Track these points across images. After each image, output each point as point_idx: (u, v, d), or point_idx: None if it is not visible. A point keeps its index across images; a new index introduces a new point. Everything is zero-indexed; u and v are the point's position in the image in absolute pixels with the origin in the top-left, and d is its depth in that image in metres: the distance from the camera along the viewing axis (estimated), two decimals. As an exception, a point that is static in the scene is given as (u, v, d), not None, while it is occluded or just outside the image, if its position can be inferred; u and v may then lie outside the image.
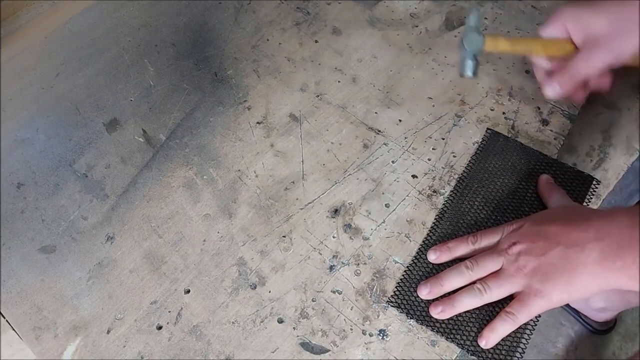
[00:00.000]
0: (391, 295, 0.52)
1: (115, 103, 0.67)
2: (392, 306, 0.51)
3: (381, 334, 0.50)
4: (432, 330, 0.49)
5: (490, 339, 0.47)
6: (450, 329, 0.49)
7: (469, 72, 0.53)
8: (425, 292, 0.50)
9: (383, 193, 0.58)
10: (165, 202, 0.59)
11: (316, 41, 0.70)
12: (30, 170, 0.63)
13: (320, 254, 0.55)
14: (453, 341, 0.49)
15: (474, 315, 0.49)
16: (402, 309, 0.51)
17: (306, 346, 0.50)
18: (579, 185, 0.56)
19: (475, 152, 0.59)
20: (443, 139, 0.61)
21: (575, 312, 1.22)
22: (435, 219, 0.55)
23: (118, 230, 0.58)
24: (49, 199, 0.61)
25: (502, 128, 0.61)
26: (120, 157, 0.63)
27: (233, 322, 0.52)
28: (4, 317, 0.54)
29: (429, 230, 0.55)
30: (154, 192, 0.60)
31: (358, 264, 0.54)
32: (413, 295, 0.51)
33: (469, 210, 0.55)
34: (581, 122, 0.61)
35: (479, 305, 0.49)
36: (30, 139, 0.65)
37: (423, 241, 0.54)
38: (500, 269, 0.48)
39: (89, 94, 0.68)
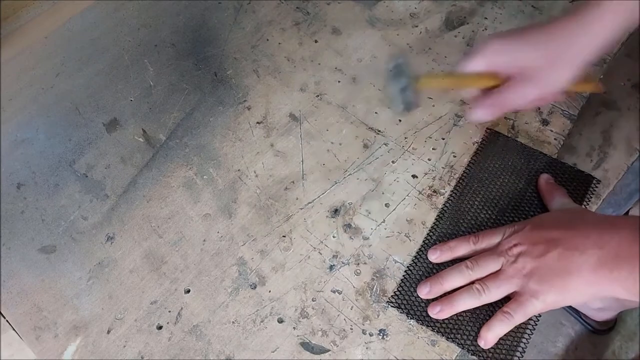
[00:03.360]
0: (391, 296, 0.52)
1: (115, 103, 0.67)
2: (392, 307, 0.51)
3: (381, 334, 0.50)
4: (433, 330, 0.49)
5: (488, 338, 0.48)
6: (451, 329, 0.49)
7: (398, 108, 0.50)
8: (425, 292, 0.50)
9: (383, 193, 0.58)
10: (165, 202, 0.59)
11: (316, 41, 0.70)
12: (30, 170, 0.63)
13: (320, 254, 0.55)
14: (454, 341, 0.49)
15: (474, 315, 0.49)
16: (402, 309, 0.51)
17: (306, 346, 0.50)
18: (579, 184, 0.56)
19: (475, 152, 0.59)
20: (443, 139, 0.61)
21: (575, 312, 1.22)
22: (435, 218, 0.55)
23: (118, 230, 0.58)
24: (49, 199, 0.61)
25: (502, 128, 0.61)
26: (120, 157, 0.63)
27: (233, 322, 0.52)
28: (4, 317, 0.54)
29: (429, 230, 0.55)
30: (154, 192, 0.60)
31: (358, 264, 0.54)
32: (413, 296, 0.51)
33: (469, 210, 0.55)
34: (581, 122, 0.61)
35: (477, 305, 0.49)
36: (30, 139, 0.65)
37: (423, 241, 0.54)
38: (500, 269, 0.48)
39: (89, 94, 0.68)
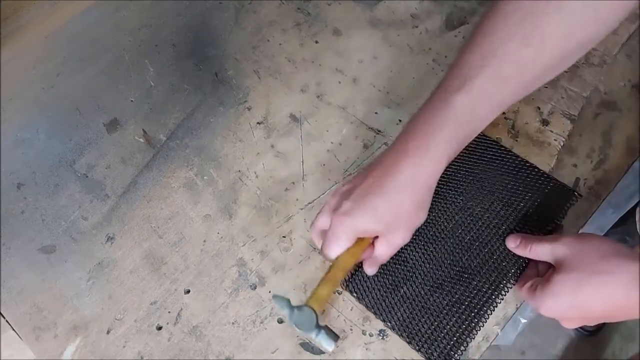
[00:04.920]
0: (347, 280, 0.52)
1: (116, 103, 0.67)
2: (346, 290, 0.52)
3: (381, 334, 0.50)
4: (379, 319, 0.50)
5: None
6: (400, 323, 0.50)
7: (330, 346, 0.47)
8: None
9: (383, 193, 0.58)
10: (165, 202, 0.59)
11: (317, 42, 0.70)
12: (30, 170, 0.63)
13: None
14: (400, 334, 0.49)
15: (427, 314, 0.50)
16: (355, 293, 0.51)
17: (306, 346, 0.50)
18: (557, 197, 0.55)
19: (461, 154, 0.58)
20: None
21: None
22: None
23: (118, 230, 0.58)
24: (49, 199, 0.61)
25: (502, 128, 0.61)
26: (121, 158, 0.63)
27: (233, 323, 0.52)
28: (4, 317, 0.54)
29: None
30: (154, 192, 0.60)
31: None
32: (367, 282, 0.52)
33: (433, 207, 0.54)
34: (581, 123, 0.61)
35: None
36: (30, 139, 0.65)
37: None
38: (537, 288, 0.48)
39: (89, 94, 0.68)
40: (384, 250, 0.49)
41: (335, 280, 0.49)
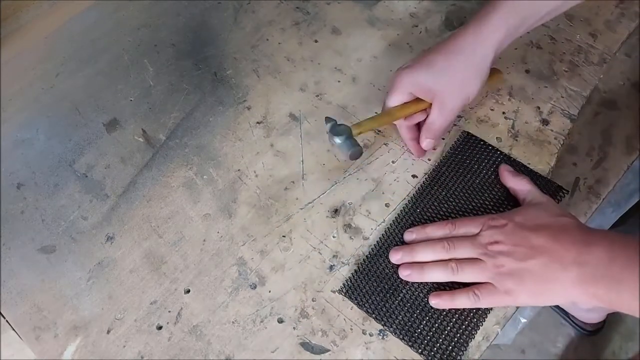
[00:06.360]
0: (342, 285, 0.52)
1: (115, 103, 0.67)
2: (341, 294, 0.52)
3: (381, 334, 0.50)
4: (379, 323, 0.50)
5: (445, 303, 0.49)
6: (401, 327, 0.49)
7: (344, 154, 0.53)
8: (396, 259, 0.52)
9: (383, 193, 0.58)
10: (165, 202, 0.59)
11: (316, 41, 0.70)
12: (30, 170, 0.63)
13: (320, 254, 0.55)
14: (401, 338, 0.49)
15: (427, 317, 0.50)
16: (352, 299, 0.51)
17: (306, 346, 0.50)
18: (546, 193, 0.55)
19: (448, 151, 0.59)
20: (443, 138, 0.61)
21: (564, 313, 1.22)
22: (395, 216, 0.56)
23: (118, 230, 0.58)
24: (49, 199, 0.61)
25: (502, 128, 0.61)
26: (120, 157, 0.63)
27: (233, 322, 0.52)
28: (4, 317, 0.54)
29: (388, 226, 0.55)
30: (153, 192, 0.60)
31: (358, 264, 0.54)
32: (365, 287, 0.52)
33: (428, 209, 0.55)
34: (581, 122, 0.61)
35: (445, 281, 0.50)
36: (30, 139, 0.65)
37: (381, 236, 0.55)
38: (477, 259, 0.49)
39: (89, 94, 0.68)
40: (437, 115, 0.54)
41: (379, 120, 0.55)
